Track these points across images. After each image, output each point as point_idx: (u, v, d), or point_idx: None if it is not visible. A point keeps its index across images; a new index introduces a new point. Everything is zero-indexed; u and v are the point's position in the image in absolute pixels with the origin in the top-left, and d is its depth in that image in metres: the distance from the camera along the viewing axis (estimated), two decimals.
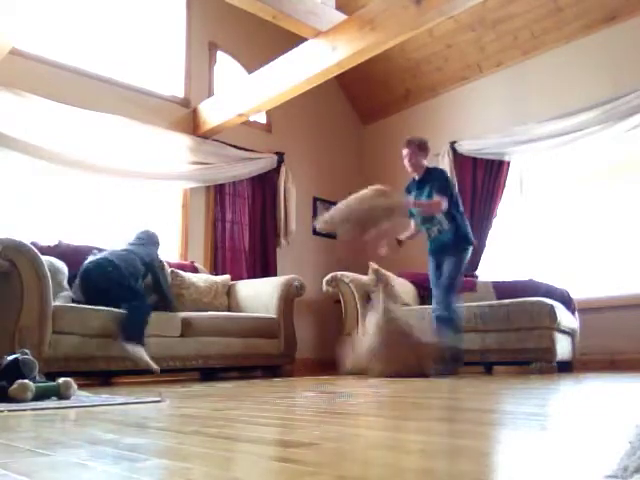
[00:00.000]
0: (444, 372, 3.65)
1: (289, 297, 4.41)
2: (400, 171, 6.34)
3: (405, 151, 3.99)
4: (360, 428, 1.26)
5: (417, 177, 4.02)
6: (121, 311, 3.40)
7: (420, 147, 3.97)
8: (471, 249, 3.97)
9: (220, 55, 5.54)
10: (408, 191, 4.08)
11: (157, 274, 3.92)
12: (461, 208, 4.00)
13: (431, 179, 3.91)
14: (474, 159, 5.56)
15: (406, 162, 4.00)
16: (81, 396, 2.17)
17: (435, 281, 3.97)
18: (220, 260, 5.11)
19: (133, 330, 3.39)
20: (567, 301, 4.42)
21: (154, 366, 3.36)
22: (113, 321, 3.34)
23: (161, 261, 4.12)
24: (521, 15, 5.08)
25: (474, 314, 4.21)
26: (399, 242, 4.10)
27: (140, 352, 3.34)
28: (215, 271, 5.01)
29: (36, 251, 3.08)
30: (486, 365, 4.56)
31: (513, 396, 2.06)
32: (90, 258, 3.65)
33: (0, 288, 3.01)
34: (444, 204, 3.76)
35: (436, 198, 3.77)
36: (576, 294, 4.59)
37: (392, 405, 1.76)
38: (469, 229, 4.02)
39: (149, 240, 4.06)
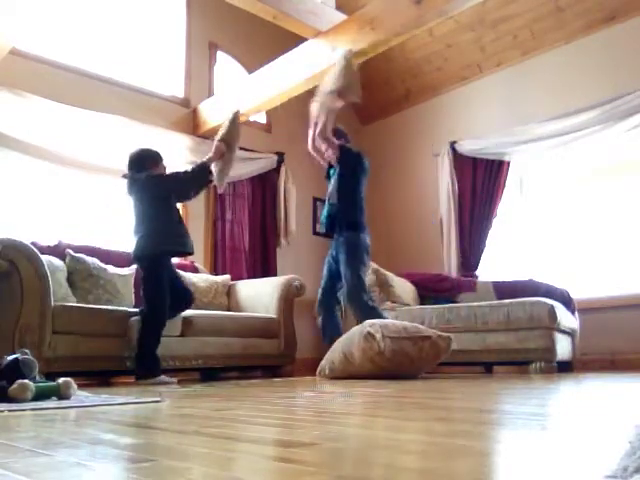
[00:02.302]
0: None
1: (289, 297, 4.41)
2: (400, 171, 6.36)
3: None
4: (360, 428, 1.26)
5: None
6: (116, 309, 3.38)
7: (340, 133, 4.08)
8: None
9: (220, 55, 5.54)
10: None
11: (162, 187, 3.65)
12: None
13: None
14: (474, 159, 5.56)
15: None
16: (81, 396, 2.17)
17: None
18: (220, 260, 5.11)
19: (141, 367, 3.34)
20: (567, 301, 4.42)
21: (172, 380, 3.37)
22: (113, 321, 3.34)
23: (155, 176, 3.73)
24: (521, 15, 5.08)
25: (474, 314, 4.21)
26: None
27: (157, 381, 3.30)
28: (215, 271, 5.01)
29: (36, 251, 3.08)
30: (486, 365, 4.56)
31: (513, 396, 2.06)
32: None
33: (0, 288, 3.01)
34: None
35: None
36: (576, 294, 4.59)
37: (392, 405, 1.76)
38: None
39: (136, 167, 3.71)
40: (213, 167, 3.85)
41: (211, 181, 3.90)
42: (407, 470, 0.77)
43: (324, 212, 4.12)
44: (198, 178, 3.78)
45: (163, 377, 3.35)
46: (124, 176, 3.79)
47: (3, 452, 0.94)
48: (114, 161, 4.49)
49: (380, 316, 3.68)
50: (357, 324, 3.63)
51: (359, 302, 3.79)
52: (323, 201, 6.22)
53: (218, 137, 3.93)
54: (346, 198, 4.00)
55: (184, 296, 3.73)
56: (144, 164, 3.71)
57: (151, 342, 3.40)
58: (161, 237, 3.54)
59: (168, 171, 4.78)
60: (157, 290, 3.50)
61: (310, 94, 4.98)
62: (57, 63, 4.42)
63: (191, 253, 3.72)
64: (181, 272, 4.38)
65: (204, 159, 3.86)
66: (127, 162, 3.78)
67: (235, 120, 3.99)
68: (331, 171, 4.16)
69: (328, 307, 4.01)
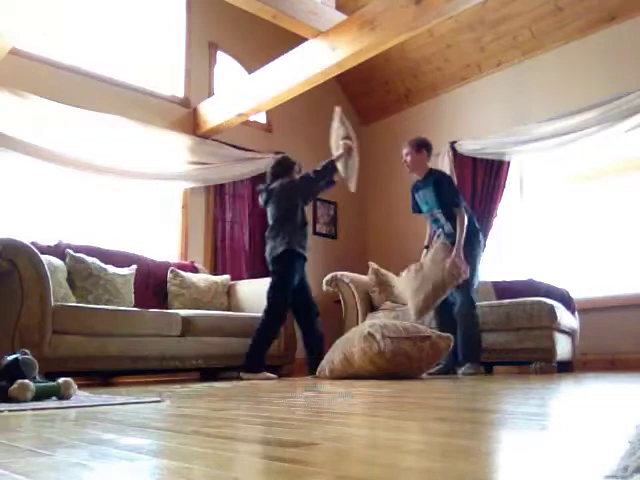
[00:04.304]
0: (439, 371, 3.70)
1: None
2: (400, 171, 6.34)
3: (403, 151, 4.01)
4: (360, 428, 1.26)
5: (420, 178, 4.01)
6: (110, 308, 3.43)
7: (415, 147, 3.96)
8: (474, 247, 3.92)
9: (220, 55, 5.54)
10: (415, 190, 4.07)
11: (301, 189, 3.95)
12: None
13: (430, 183, 3.91)
14: (474, 159, 5.56)
15: (404, 162, 4.03)
16: (81, 396, 2.17)
17: None
18: (220, 260, 5.11)
19: (250, 362, 3.72)
20: (567, 301, 4.42)
21: (273, 376, 3.70)
22: (113, 320, 3.34)
23: (287, 183, 3.99)
24: (521, 15, 5.08)
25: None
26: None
27: (261, 376, 3.66)
28: (215, 271, 5.01)
29: (36, 251, 3.08)
30: (486, 365, 4.56)
31: (513, 396, 2.06)
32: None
33: (0, 288, 3.01)
34: (463, 221, 3.79)
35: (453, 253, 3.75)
36: (576, 294, 4.59)
37: (392, 405, 1.76)
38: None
39: (281, 172, 4.05)
40: (339, 166, 4.01)
41: (334, 181, 4.12)
42: (407, 470, 0.77)
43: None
44: (324, 178, 4.01)
45: (266, 373, 3.73)
46: (259, 190, 4.14)
47: (3, 452, 0.94)
48: (114, 161, 4.50)
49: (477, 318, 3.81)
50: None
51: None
52: (323, 201, 6.25)
53: (339, 137, 4.05)
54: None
55: (312, 308, 4.01)
56: (280, 173, 4.05)
57: (264, 340, 3.72)
58: (291, 239, 3.84)
59: (168, 170, 4.83)
60: (282, 292, 3.83)
61: (310, 94, 4.99)
62: (57, 63, 4.42)
63: (305, 259, 3.98)
64: (181, 272, 4.38)
65: (331, 158, 4.02)
66: (268, 173, 4.14)
67: (344, 117, 4.10)
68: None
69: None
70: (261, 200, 4.12)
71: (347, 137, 4.05)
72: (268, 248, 3.96)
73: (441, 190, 3.86)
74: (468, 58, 5.64)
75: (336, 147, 4.11)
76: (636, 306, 4.48)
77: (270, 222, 4.01)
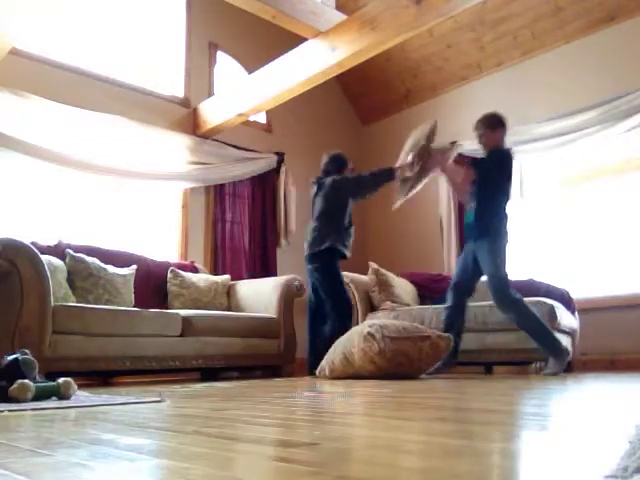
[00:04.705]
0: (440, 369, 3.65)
1: (289, 297, 4.41)
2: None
3: (475, 132, 3.85)
4: (360, 428, 1.26)
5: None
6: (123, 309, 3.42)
7: (490, 125, 3.76)
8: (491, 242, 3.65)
9: (220, 55, 5.54)
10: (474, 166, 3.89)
11: (346, 191, 3.92)
12: (497, 199, 3.70)
13: (489, 158, 3.74)
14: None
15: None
16: (81, 396, 2.17)
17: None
18: (220, 260, 5.11)
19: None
20: (567, 301, 4.42)
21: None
22: (113, 320, 3.34)
23: (340, 179, 3.96)
24: (521, 15, 5.08)
25: (474, 314, 4.21)
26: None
27: None
28: (215, 271, 5.01)
29: (36, 251, 3.08)
30: (486, 365, 4.56)
31: (513, 396, 2.06)
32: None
33: (0, 288, 3.01)
34: (459, 173, 3.64)
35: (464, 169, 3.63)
36: (576, 294, 4.59)
37: (392, 405, 1.76)
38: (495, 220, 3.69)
39: (334, 168, 4.04)
40: (398, 176, 3.92)
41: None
42: (407, 470, 0.77)
43: None
44: (378, 183, 3.97)
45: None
46: (311, 182, 4.14)
47: (3, 452, 0.94)
48: (114, 161, 4.50)
49: (526, 307, 3.57)
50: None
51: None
52: None
53: (416, 148, 3.84)
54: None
55: (329, 312, 3.96)
56: (332, 169, 4.05)
57: (332, 339, 3.67)
58: (335, 236, 3.84)
59: (168, 170, 4.83)
60: (340, 282, 3.89)
61: (310, 94, 4.98)
62: (57, 63, 4.42)
63: (347, 258, 3.96)
64: (181, 272, 4.38)
65: (395, 165, 3.96)
66: (322, 166, 4.13)
67: (433, 133, 3.88)
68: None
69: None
70: (311, 192, 4.13)
71: (424, 154, 3.83)
72: (309, 241, 3.96)
73: (484, 165, 3.71)
74: (468, 58, 5.64)
75: (406, 155, 3.94)
76: (636, 306, 4.48)
77: (315, 216, 4.00)
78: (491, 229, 3.64)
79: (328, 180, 3.98)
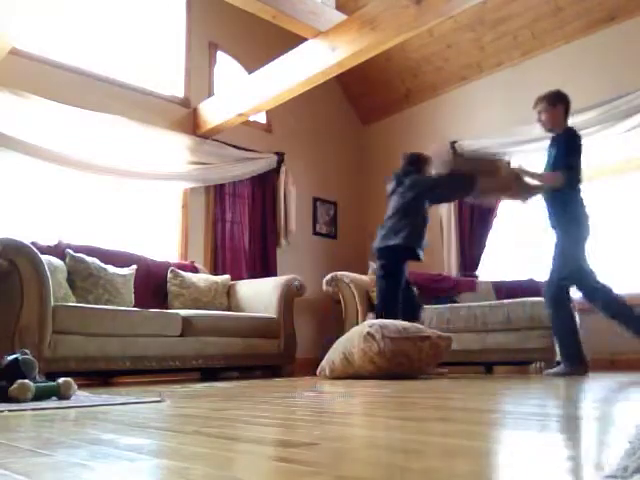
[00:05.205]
0: (560, 372, 3.45)
1: (289, 297, 4.41)
2: None
3: (536, 108, 3.69)
4: (360, 428, 1.26)
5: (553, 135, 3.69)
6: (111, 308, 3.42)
7: (551, 100, 3.62)
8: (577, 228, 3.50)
9: (220, 55, 5.54)
10: (549, 148, 3.76)
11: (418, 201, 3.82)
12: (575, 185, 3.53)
13: (556, 142, 3.59)
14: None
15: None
16: (81, 396, 2.17)
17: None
18: (220, 260, 5.11)
19: None
20: None
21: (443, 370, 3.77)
22: (113, 320, 3.34)
23: (429, 179, 3.90)
24: (521, 15, 5.08)
25: (474, 314, 4.21)
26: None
27: None
28: (215, 271, 5.01)
29: (36, 251, 3.08)
30: (486, 365, 4.56)
31: (513, 396, 2.06)
32: None
33: (0, 288, 3.01)
34: (558, 179, 3.44)
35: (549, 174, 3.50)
36: (576, 294, 4.58)
37: (392, 405, 1.76)
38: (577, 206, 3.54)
39: (414, 167, 3.96)
40: (479, 186, 3.82)
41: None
42: (407, 470, 0.77)
43: None
44: (454, 190, 3.91)
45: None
46: (390, 178, 4.08)
47: (3, 452, 0.94)
48: (114, 161, 4.50)
49: (611, 292, 3.48)
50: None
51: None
52: (323, 201, 6.26)
53: (501, 170, 3.77)
54: None
55: (415, 307, 3.95)
56: (410, 169, 3.97)
57: None
58: (410, 235, 3.76)
59: (168, 170, 4.83)
60: (395, 284, 3.80)
61: (310, 94, 4.98)
62: (57, 63, 4.42)
63: (420, 260, 3.87)
64: (181, 272, 4.38)
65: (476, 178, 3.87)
66: (401, 164, 4.06)
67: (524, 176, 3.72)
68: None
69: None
70: (388, 188, 4.05)
71: (514, 181, 3.71)
72: (379, 237, 3.90)
73: (558, 150, 3.54)
74: (468, 58, 5.64)
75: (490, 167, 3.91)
76: (636, 306, 4.48)
77: (389, 213, 3.92)
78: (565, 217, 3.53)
79: (408, 178, 3.90)
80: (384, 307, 3.80)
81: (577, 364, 3.46)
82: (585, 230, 3.53)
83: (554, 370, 3.53)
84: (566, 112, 3.64)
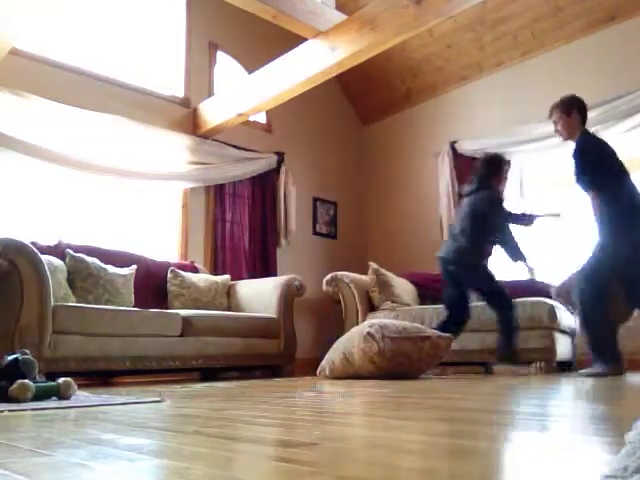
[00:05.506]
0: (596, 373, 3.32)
1: (289, 297, 4.41)
2: (400, 171, 6.35)
3: (552, 118, 3.57)
4: (360, 428, 1.26)
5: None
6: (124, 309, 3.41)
7: (565, 109, 3.47)
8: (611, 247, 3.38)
9: (220, 55, 5.54)
10: None
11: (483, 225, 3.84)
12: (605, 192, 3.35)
13: (574, 151, 3.39)
14: (474, 159, 5.55)
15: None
16: (81, 396, 2.17)
17: None
18: (220, 260, 5.11)
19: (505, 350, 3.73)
20: None
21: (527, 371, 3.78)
22: (113, 320, 3.34)
23: (493, 207, 3.90)
24: (521, 15, 5.08)
25: (474, 314, 4.20)
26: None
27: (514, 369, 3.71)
28: (215, 271, 5.01)
29: (36, 251, 3.08)
30: (486, 365, 4.56)
31: (513, 396, 2.06)
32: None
33: (0, 288, 3.01)
34: (593, 201, 3.31)
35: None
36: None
37: (392, 405, 1.76)
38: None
39: (485, 171, 3.96)
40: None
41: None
42: (407, 470, 0.77)
43: None
44: (520, 222, 4.03)
45: (519, 367, 3.78)
46: (463, 195, 4.13)
47: (3, 452, 0.94)
48: (114, 161, 4.50)
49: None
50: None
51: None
52: (323, 201, 6.25)
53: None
54: None
55: (465, 314, 3.99)
56: (489, 173, 3.97)
57: (512, 327, 3.70)
58: (480, 251, 3.91)
59: (168, 170, 4.83)
60: (492, 278, 3.87)
61: (310, 94, 4.98)
62: (57, 63, 4.42)
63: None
64: (181, 272, 4.38)
65: (539, 214, 4.10)
66: (481, 165, 4.04)
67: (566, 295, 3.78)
68: None
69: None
70: (466, 189, 4.09)
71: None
72: (452, 247, 3.92)
73: (574, 161, 3.35)
74: (468, 58, 5.64)
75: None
76: None
77: (461, 221, 3.93)
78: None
79: (478, 196, 3.90)
80: (497, 293, 3.88)
81: (613, 363, 3.31)
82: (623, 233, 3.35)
83: (589, 370, 3.37)
84: (583, 118, 3.49)
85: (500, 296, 3.84)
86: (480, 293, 3.96)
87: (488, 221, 3.87)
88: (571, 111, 3.47)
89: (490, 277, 3.91)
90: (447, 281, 4.01)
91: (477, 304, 4.25)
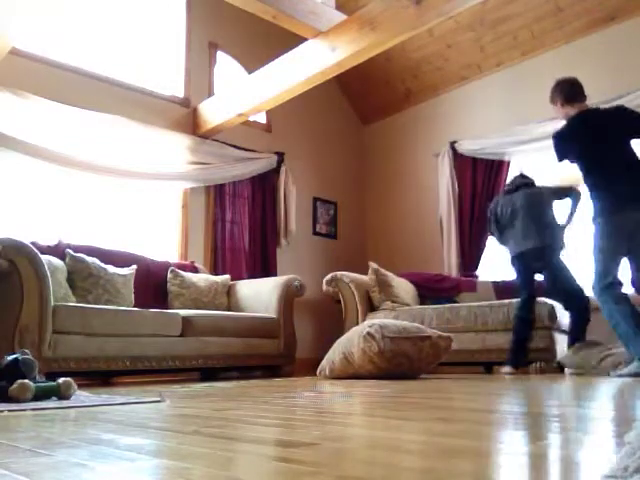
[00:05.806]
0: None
1: (289, 297, 4.41)
2: (400, 171, 6.36)
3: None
4: (360, 428, 1.26)
5: None
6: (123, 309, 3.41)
7: (550, 99, 3.61)
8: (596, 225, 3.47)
9: (220, 55, 5.54)
10: None
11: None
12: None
13: None
14: (474, 159, 5.56)
15: None
16: (81, 396, 2.17)
17: None
18: (220, 260, 5.12)
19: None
20: None
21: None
22: (113, 320, 3.34)
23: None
24: (521, 15, 5.08)
25: (474, 314, 4.21)
26: None
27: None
28: (215, 271, 5.01)
29: (36, 251, 3.08)
30: (486, 365, 4.56)
31: (513, 396, 2.06)
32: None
33: (0, 288, 3.01)
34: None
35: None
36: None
37: (392, 405, 1.76)
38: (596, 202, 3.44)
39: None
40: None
41: None
42: (407, 470, 0.77)
43: None
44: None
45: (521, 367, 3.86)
46: (515, 188, 4.27)
47: (3, 452, 0.94)
48: (114, 161, 4.50)
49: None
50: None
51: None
52: (323, 201, 6.26)
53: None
54: None
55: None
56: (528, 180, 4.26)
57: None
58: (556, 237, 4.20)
59: (168, 170, 4.82)
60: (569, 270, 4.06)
61: (310, 94, 4.98)
62: (57, 63, 4.42)
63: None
64: (181, 272, 4.38)
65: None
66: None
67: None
68: None
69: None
70: (512, 184, 4.27)
71: None
72: (537, 236, 4.09)
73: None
74: (468, 58, 5.65)
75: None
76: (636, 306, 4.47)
77: (523, 211, 4.14)
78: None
79: (532, 190, 4.22)
80: (576, 285, 4.07)
81: None
82: (603, 226, 3.42)
83: (625, 370, 3.19)
84: (566, 96, 3.52)
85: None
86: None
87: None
88: (554, 98, 3.62)
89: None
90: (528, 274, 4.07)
91: (480, 304, 4.25)
